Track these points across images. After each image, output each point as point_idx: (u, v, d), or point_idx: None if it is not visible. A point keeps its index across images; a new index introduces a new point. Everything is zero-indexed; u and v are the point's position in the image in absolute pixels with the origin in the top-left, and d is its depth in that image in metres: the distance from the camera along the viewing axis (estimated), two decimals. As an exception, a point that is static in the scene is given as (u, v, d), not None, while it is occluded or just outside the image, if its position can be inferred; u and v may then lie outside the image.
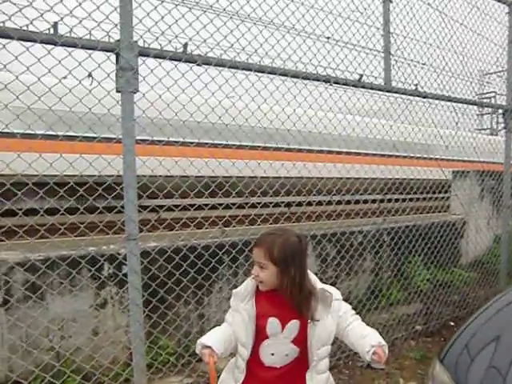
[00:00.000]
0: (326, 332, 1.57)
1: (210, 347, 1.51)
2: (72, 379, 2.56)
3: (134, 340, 2.28)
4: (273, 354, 1.59)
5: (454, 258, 4.91)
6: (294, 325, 1.56)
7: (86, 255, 2.80)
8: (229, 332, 1.62)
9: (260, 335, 1.59)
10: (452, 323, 4.35)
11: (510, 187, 4.71)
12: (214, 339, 1.55)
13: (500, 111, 4.96)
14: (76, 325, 2.87)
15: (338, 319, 1.62)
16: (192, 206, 3.03)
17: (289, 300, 1.54)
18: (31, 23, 1.92)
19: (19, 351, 2.62)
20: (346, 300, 1.75)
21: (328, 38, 3.49)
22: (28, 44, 1.94)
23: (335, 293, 1.64)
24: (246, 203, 3.18)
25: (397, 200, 5.29)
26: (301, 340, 1.58)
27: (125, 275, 2.43)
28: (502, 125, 4.90)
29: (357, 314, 1.73)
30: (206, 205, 3.10)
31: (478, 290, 4.79)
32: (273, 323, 1.56)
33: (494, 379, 1.55)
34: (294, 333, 1.57)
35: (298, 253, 1.55)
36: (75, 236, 3.09)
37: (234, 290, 1.65)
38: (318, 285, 1.61)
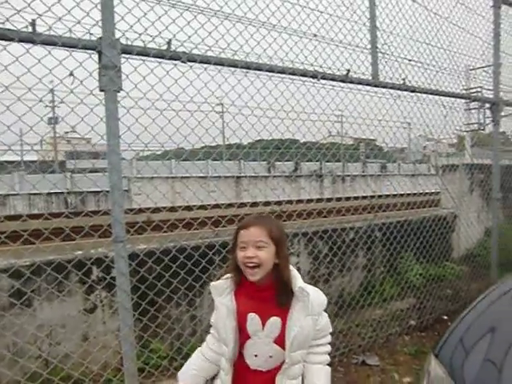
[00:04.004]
0: (303, 334, 1.49)
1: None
2: (61, 387, 2.50)
3: (125, 344, 2.23)
4: (256, 356, 1.53)
5: (445, 252, 4.92)
6: (274, 322, 1.50)
7: (73, 259, 2.74)
8: (204, 360, 1.66)
9: (242, 334, 1.54)
10: (445, 317, 4.36)
11: (499, 180, 4.74)
12: (186, 376, 1.67)
13: (487, 105, 4.99)
14: (65, 331, 2.81)
15: (315, 328, 1.55)
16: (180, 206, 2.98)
17: (275, 289, 1.50)
18: (7, 20, 1.86)
19: (5, 360, 2.55)
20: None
21: (315, 35, 3.47)
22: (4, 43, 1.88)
23: (320, 298, 1.58)
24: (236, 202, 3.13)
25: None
26: (283, 340, 1.50)
27: (113, 278, 2.38)
28: (490, 119, 4.93)
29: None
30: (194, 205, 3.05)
31: (470, 283, 4.81)
32: (253, 319, 1.51)
33: (489, 372, 1.53)
34: (276, 331, 1.50)
35: (286, 235, 1.60)
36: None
37: (211, 283, 1.59)
38: (299, 282, 1.52)
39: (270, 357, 1.53)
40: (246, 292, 1.55)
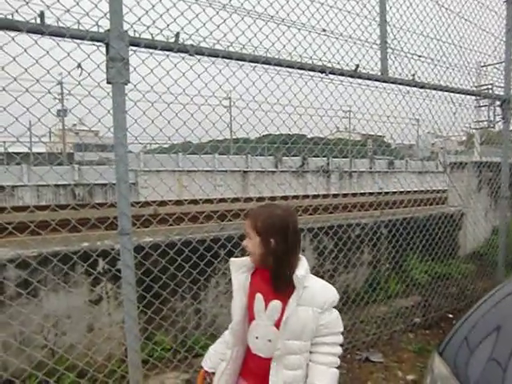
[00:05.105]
0: (299, 324, 1.49)
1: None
2: (66, 376, 2.53)
3: (129, 336, 2.25)
4: (257, 338, 1.56)
5: (452, 250, 4.89)
6: (275, 305, 1.53)
7: (80, 251, 2.76)
8: (221, 343, 1.73)
9: (250, 315, 1.59)
10: (451, 315, 4.34)
11: (508, 178, 4.68)
12: (205, 358, 1.75)
13: (497, 103, 4.92)
14: (70, 321, 2.84)
15: (317, 322, 1.52)
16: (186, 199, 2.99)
17: (270, 275, 1.54)
18: (16, 12, 1.86)
19: (12, 348, 2.59)
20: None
21: (324, 29, 3.44)
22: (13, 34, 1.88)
23: (327, 294, 1.58)
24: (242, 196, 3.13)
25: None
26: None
27: (119, 270, 2.39)
28: (500, 116, 4.86)
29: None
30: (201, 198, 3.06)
31: (476, 281, 4.78)
32: (258, 299, 1.56)
33: (493, 371, 1.52)
34: (276, 315, 1.52)
35: (282, 226, 1.52)
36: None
37: (231, 259, 1.66)
38: (299, 271, 1.51)
39: (269, 341, 1.54)
40: (259, 273, 1.61)
